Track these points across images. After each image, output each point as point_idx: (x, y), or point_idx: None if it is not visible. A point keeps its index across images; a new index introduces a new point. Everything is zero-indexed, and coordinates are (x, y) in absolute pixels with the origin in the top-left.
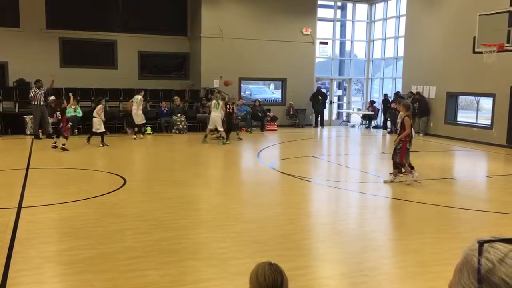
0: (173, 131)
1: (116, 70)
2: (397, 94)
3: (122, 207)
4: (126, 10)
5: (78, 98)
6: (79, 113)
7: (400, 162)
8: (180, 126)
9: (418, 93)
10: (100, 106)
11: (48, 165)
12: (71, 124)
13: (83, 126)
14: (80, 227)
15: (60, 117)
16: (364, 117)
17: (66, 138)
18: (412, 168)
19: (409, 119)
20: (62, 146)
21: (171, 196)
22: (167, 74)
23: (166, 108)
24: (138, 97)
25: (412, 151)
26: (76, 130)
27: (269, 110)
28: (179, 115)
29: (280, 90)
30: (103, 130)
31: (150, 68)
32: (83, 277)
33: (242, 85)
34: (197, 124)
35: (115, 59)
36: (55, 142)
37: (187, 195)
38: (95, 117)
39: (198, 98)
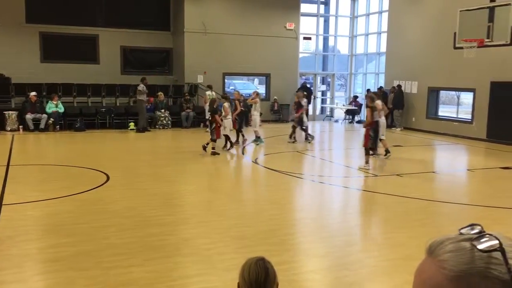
0: (157, 126)
1: (98, 65)
2: (380, 89)
3: (105, 203)
4: (108, 4)
5: (60, 93)
6: (61, 109)
7: (364, 146)
8: (164, 121)
9: (399, 85)
10: (226, 104)
11: (29, 162)
12: (53, 120)
13: (65, 122)
14: (63, 224)
15: (211, 118)
16: (348, 112)
17: (215, 140)
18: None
19: (369, 110)
20: (212, 150)
21: (156, 192)
22: (151, 70)
23: (150, 104)
24: (208, 93)
25: (395, 146)
26: (57, 126)
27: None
28: (162, 110)
29: (264, 86)
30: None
31: (133, 63)
32: (66, 274)
33: (226, 80)
34: (181, 120)
35: (97, 54)
36: (207, 144)
37: (172, 191)
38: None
39: (182, 93)
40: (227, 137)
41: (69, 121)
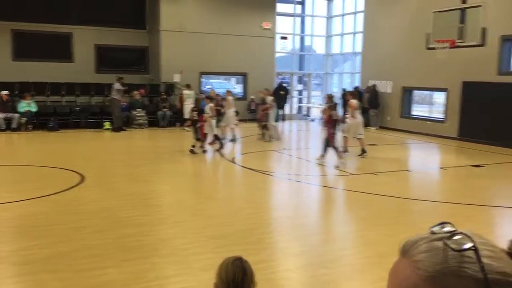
0: (133, 126)
1: (72, 63)
2: (355, 89)
3: (80, 204)
4: (83, 2)
5: (32, 92)
6: (34, 108)
7: (331, 145)
8: (140, 121)
9: (374, 85)
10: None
11: (1, 162)
12: (25, 119)
13: (38, 121)
14: (36, 225)
15: (198, 117)
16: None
17: (199, 140)
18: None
19: (327, 109)
20: (192, 148)
21: (132, 193)
22: (126, 68)
23: (126, 103)
24: (186, 92)
25: (370, 144)
26: (30, 126)
27: None
28: (139, 110)
29: (241, 85)
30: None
31: (108, 62)
32: (39, 277)
33: (203, 79)
34: (157, 119)
35: (71, 53)
36: (200, 146)
37: (148, 191)
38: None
39: (158, 92)
40: (213, 137)
41: (42, 121)
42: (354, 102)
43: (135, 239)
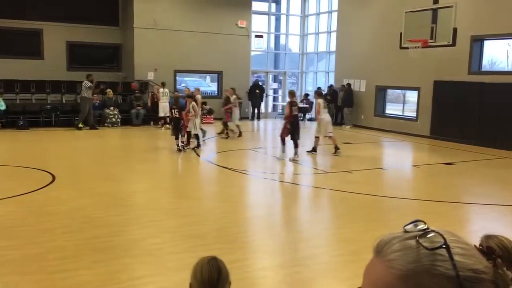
0: (106, 124)
1: (42, 61)
2: (330, 87)
3: (51, 204)
4: None
5: (1, 90)
6: (3, 106)
7: (281, 136)
8: (113, 119)
9: (348, 84)
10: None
11: None
12: None
13: (7, 119)
14: (5, 227)
15: (177, 115)
16: (299, 110)
17: (184, 136)
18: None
19: (288, 104)
20: (182, 143)
21: (104, 192)
22: (98, 66)
23: (98, 101)
24: (162, 90)
25: (344, 143)
26: None
27: (205, 103)
28: (112, 108)
29: (216, 83)
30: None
31: (80, 59)
32: (8, 279)
33: (177, 77)
34: (131, 118)
35: (41, 49)
36: (183, 142)
37: (121, 191)
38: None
39: (131, 90)
40: (191, 136)
41: (12, 119)
42: (320, 101)
43: (108, 240)
